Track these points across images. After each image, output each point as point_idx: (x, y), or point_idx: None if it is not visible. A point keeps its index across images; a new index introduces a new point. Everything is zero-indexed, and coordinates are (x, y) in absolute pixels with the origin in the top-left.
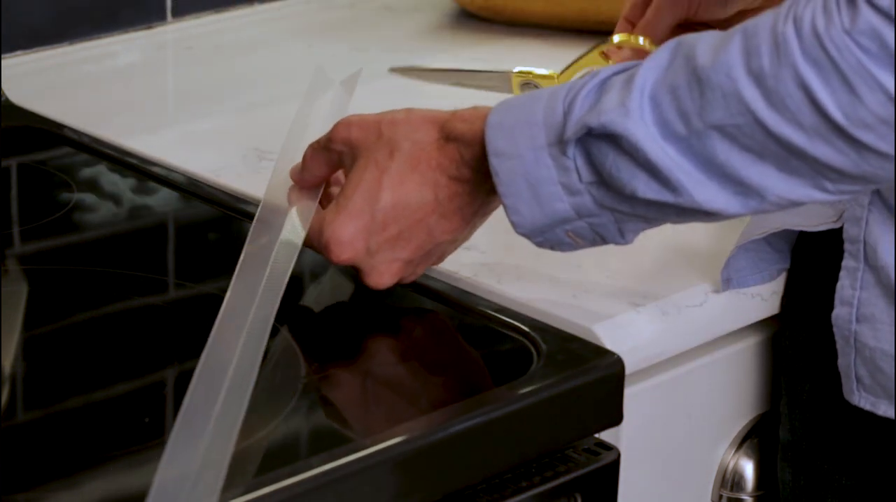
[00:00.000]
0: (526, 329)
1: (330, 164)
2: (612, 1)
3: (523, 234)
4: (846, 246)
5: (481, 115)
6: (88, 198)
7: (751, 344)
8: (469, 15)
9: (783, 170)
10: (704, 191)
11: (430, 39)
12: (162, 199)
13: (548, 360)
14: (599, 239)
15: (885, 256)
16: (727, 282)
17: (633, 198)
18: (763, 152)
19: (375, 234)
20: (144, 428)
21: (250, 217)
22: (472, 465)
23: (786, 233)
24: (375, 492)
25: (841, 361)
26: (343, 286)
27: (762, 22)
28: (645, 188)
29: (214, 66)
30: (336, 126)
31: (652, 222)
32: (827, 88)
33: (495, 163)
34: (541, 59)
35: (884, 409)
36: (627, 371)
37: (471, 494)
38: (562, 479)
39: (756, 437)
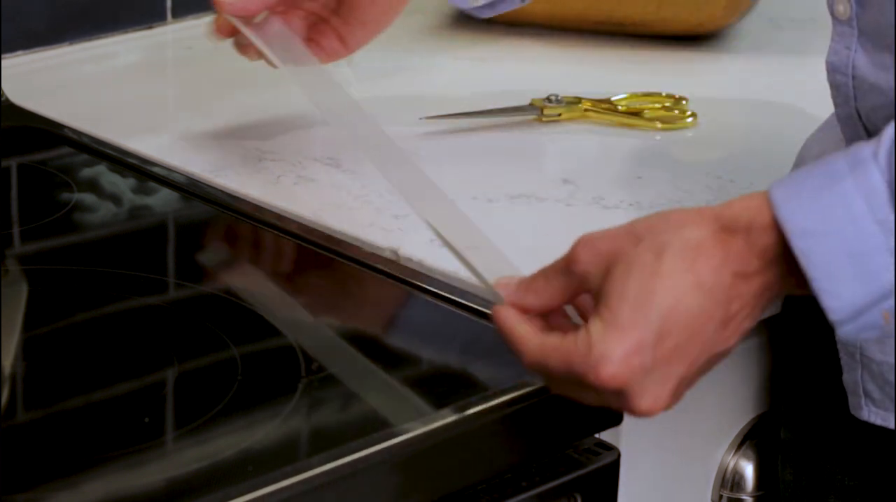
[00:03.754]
0: None
1: (569, 290)
2: (612, 1)
3: (836, 321)
4: None
5: (762, 197)
6: (88, 198)
7: (751, 344)
8: (469, 15)
9: None
10: None
11: (429, 39)
12: (162, 199)
13: None
14: None
15: None
16: None
17: None
18: None
19: (651, 349)
20: (144, 428)
21: (250, 217)
22: (472, 465)
23: None
24: (375, 492)
25: (846, 377)
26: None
27: None
28: None
29: (214, 66)
30: (576, 247)
31: None
32: None
33: (802, 244)
34: (541, 59)
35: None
36: None
37: (471, 494)
38: (562, 479)
39: (756, 437)
